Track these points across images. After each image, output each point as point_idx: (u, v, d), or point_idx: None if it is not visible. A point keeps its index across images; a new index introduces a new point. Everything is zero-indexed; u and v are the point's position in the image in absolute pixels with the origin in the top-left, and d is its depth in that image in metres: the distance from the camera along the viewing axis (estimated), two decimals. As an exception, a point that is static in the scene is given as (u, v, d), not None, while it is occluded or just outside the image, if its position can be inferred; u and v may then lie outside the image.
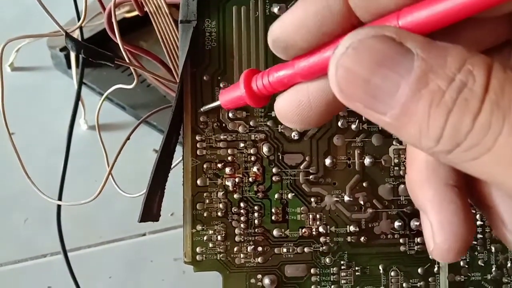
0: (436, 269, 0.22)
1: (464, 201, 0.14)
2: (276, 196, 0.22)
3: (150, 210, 0.21)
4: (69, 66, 0.47)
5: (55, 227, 0.32)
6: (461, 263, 0.23)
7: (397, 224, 0.22)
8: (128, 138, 0.26)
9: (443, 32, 0.11)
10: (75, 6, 0.34)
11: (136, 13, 0.51)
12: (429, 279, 0.22)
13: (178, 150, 0.22)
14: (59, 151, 0.33)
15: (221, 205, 0.22)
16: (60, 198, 0.29)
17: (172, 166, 0.27)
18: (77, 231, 0.38)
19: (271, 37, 0.14)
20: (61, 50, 0.48)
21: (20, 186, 0.38)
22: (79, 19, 0.33)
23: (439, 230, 0.13)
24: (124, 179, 0.31)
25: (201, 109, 0.21)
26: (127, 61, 0.23)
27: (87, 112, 0.45)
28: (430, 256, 0.14)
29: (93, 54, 0.21)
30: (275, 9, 0.22)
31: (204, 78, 0.22)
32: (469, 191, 0.14)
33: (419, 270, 0.22)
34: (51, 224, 0.32)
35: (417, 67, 0.11)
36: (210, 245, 0.21)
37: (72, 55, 0.44)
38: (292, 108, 0.14)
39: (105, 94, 0.30)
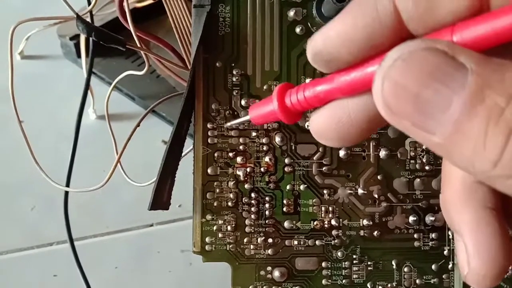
0: (450, 266, 0.22)
1: (502, 225, 0.13)
2: (288, 187, 0.21)
3: (160, 198, 0.20)
4: (79, 55, 0.47)
5: (61, 215, 0.32)
6: (477, 261, 0.22)
7: (411, 218, 0.22)
8: (138, 125, 0.25)
9: (498, 51, 0.11)
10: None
11: (146, 3, 0.51)
12: (443, 276, 0.22)
13: (187, 141, 0.22)
14: (67, 140, 0.33)
15: (231, 195, 0.21)
16: (68, 185, 0.29)
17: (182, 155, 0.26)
18: (84, 220, 0.38)
19: (313, 50, 0.13)
20: (71, 39, 0.47)
21: (28, 174, 0.38)
22: (89, 4, 0.33)
23: (474, 254, 0.13)
24: (132, 169, 0.31)
25: (227, 125, 0.21)
26: (138, 45, 0.23)
27: (96, 101, 0.45)
28: (463, 279, 0.14)
29: (104, 37, 0.20)
30: (291, -5, 0.21)
31: (217, 64, 0.21)
32: (507, 214, 0.13)
33: (433, 267, 0.22)
34: (58, 213, 0.32)
35: (471, 82, 0.10)
36: (220, 235, 0.21)
37: (82, 44, 0.44)
38: (331, 125, 0.13)
39: (115, 81, 0.29)
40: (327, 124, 0.14)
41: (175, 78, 0.30)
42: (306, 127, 0.21)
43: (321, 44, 0.12)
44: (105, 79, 0.47)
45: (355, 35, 0.12)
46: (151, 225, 0.39)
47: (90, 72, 0.34)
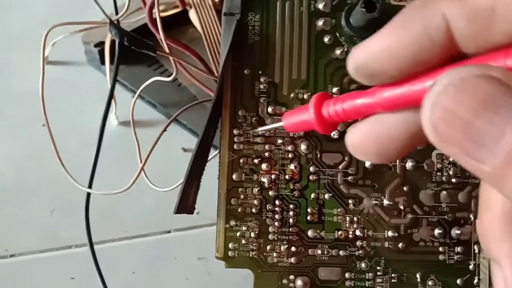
0: (476, 281, 0.21)
1: None
2: (312, 195, 0.21)
3: (186, 202, 0.21)
4: (103, 62, 0.48)
5: (80, 219, 0.32)
6: (503, 277, 0.22)
7: (437, 231, 0.21)
8: (164, 130, 0.26)
9: None
10: (114, 1, 0.34)
11: (170, 12, 0.52)
12: (469, 291, 0.21)
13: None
14: (89, 145, 0.33)
15: (255, 202, 0.21)
16: (90, 187, 0.29)
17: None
18: (102, 224, 0.38)
19: (355, 63, 0.12)
20: (95, 45, 0.48)
21: (48, 177, 0.39)
22: (117, 13, 0.33)
23: None
24: (151, 175, 0.31)
25: (258, 130, 0.21)
26: (167, 51, 0.23)
27: (118, 108, 0.45)
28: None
29: (135, 42, 0.21)
30: (320, 5, 0.21)
31: (245, 72, 0.21)
32: None
33: (458, 281, 0.21)
34: (77, 216, 0.32)
35: None
36: (243, 241, 0.21)
37: (107, 51, 0.45)
38: (370, 140, 0.13)
39: (140, 88, 0.30)
40: (366, 139, 0.13)
41: (199, 86, 0.30)
42: (332, 136, 0.21)
43: (364, 58, 0.12)
44: (128, 86, 0.48)
45: (401, 52, 0.12)
46: (169, 232, 0.39)
47: (115, 79, 0.35)
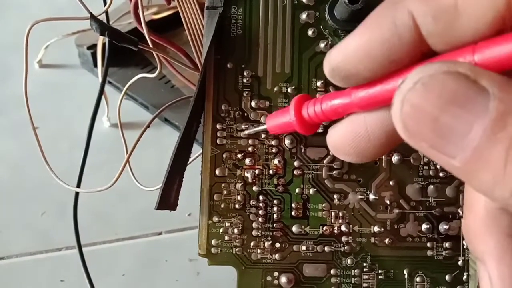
0: (465, 277, 0.21)
1: None
2: (297, 190, 0.21)
3: (168, 199, 0.20)
4: (95, 65, 0.48)
5: (71, 221, 0.32)
6: (493, 273, 0.21)
7: (424, 226, 0.21)
8: (148, 126, 0.25)
9: None
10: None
11: (163, 14, 0.51)
12: (457, 287, 0.21)
13: (197, 147, 0.21)
14: (81, 147, 0.33)
15: (239, 197, 0.21)
16: (78, 187, 0.29)
17: (190, 161, 0.26)
18: (93, 227, 0.38)
19: (330, 65, 0.13)
20: (88, 48, 0.48)
21: (40, 179, 0.39)
22: (107, 15, 0.33)
23: (499, 285, 0.12)
24: (144, 178, 0.31)
25: (245, 133, 0.21)
26: (150, 46, 0.23)
27: (110, 110, 0.45)
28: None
29: (117, 36, 0.21)
30: (304, -1, 0.21)
31: (228, 65, 0.21)
32: None
33: (447, 277, 0.21)
34: (68, 219, 0.32)
35: (493, 108, 0.10)
36: (226, 238, 0.21)
37: (99, 54, 0.45)
38: (348, 140, 0.13)
39: (127, 85, 0.29)
40: (345, 139, 0.13)
41: (190, 87, 0.30)
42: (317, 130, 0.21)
43: (338, 60, 0.12)
44: (121, 88, 0.48)
45: (373, 52, 0.12)
46: (160, 233, 0.39)
47: (104, 78, 0.35)
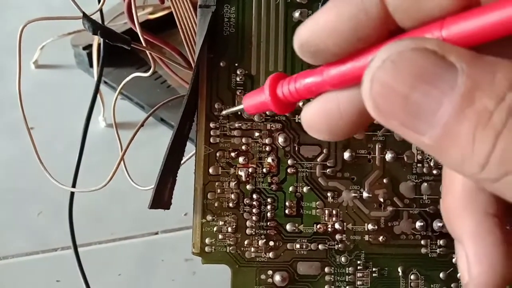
0: (459, 274, 0.21)
1: (504, 232, 0.12)
2: (290, 189, 0.21)
3: (161, 197, 0.20)
4: (91, 65, 0.48)
5: (67, 222, 0.31)
6: (487, 270, 0.21)
7: (418, 224, 0.21)
8: (142, 125, 0.25)
9: (490, 46, 0.10)
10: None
11: (159, 14, 0.51)
12: (452, 285, 0.21)
13: (191, 146, 0.21)
14: (77, 147, 0.33)
15: (233, 196, 0.21)
16: (74, 187, 0.29)
17: (185, 160, 0.26)
18: (89, 227, 0.38)
19: (299, 41, 0.13)
20: (84, 48, 0.48)
21: (36, 180, 0.38)
22: (102, 15, 0.33)
23: (475, 263, 0.12)
24: (140, 178, 0.31)
25: (223, 113, 0.21)
26: (144, 45, 0.23)
27: (106, 110, 0.45)
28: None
29: (110, 36, 0.20)
30: (296, -3, 0.21)
31: (221, 64, 0.21)
32: (510, 221, 0.13)
33: (441, 275, 0.21)
34: (64, 219, 0.32)
35: (461, 84, 0.10)
36: (220, 236, 0.21)
37: (95, 54, 0.45)
38: (321, 118, 0.13)
39: (121, 84, 0.29)
40: (317, 117, 0.13)
41: (185, 86, 0.30)
42: (310, 128, 0.21)
43: (307, 35, 0.12)
44: (116, 88, 0.48)
45: (341, 27, 0.12)
46: (156, 233, 0.38)
47: (100, 78, 0.35)
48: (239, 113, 0.21)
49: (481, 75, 0.10)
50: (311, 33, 0.12)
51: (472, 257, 0.12)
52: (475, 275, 0.12)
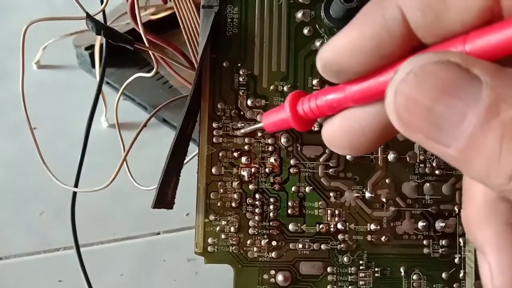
0: (462, 274, 0.21)
1: None
2: (293, 189, 0.21)
3: (164, 197, 0.20)
4: (93, 65, 0.48)
5: (69, 222, 0.32)
6: (490, 270, 0.21)
7: (421, 224, 0.21)
8: (144, 125, 0.25)
9: None
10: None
11: (161, 15, 0.51)
12: (454, 285, 0.21)
13: (194, 147, 0.22)
14: (79, 147, 0.33)
15: (235, 196, 0.21)
16: (76, 187, 0.29)
17: (187, 160, 0.26)
18: (91, 227, 0.38)
19: (322, 61, 0.13)
20: (86, 49, 0.48)
21: (38, 180, 0.38)
22: (104, 15, 0.33)
23: (498, 274, 0.12)
24: (142, 178, 0.31)
25: (241, 132, 0.21)
26: (147, 45, 0.23)
27: (108, 111, 0.45)
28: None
29: (113, 36, 0.21)
30: (299, -3, 0.21)
31: (224, 64, 0.21)
32: None
33: (443, 275, 0.21)
34: (66, 219, 0.32)
35: (486, 96, 0.10)
36: (223, 236, 0.21)
37: (97, 54, 0.45)
38: (343, 134, 0.13)
39: (124, 84, 0.29)
40: (339, 133, 0.14)
41: (188, 87, 0.30)
42: (312, 128, 0.21)
43: (329, 55, 0.13)
44: (118, 88, 0.48)
45: (363, 45, 0.12)
46: (158, 233, 0.39)
47: (102, 79, 0.35)
48: (241, 112, 0.21)
49: (505, 87, 0.10)
50: (333, 53, 0.12)
51: (495, 268, 0.12)
52: (497, 285, 0.12)
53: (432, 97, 0.10)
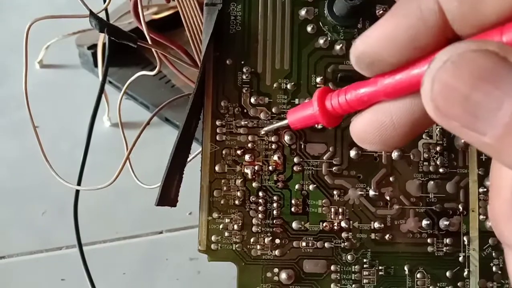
0: (466, 273, 0.21)
1: None
2: (296, 186, 0.21)
3: (168, 194, 0.20)
4: (96, 65, 0.48)
5: (72, 221, 0.32)
6: (494, 269, 0.21)
7: (425, 222, 0.21)
8: (147, 123, 0.25)
9: None
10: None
11: (163, 14, 0.51)
12: (458, 284, 0.21)
13: (197, 146, 0.21)
14: (82, 146, 0.33)
15: (239, 193, 0.21)
16: (79, 185, 0.29)
17: (191, 158, 0.26)
18: (94, 226, 0.38)
19: (355, 53, 0.13)
20: (88, 48, 0.48)
21: (41, 179, 0.39)
22: (107, 13, 0.33)
23: None
24: (145, 177, 0.31)
25: (264, 130, 0.21)
26: (150, 43, 0.23)
27: (111, 110, 0.45)
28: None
29: (116, 33, 0.21)
30: (303, -5, 0.21)
31: (227, 62, 0.21)
32: None
33: (448, 274, 0.21)
34: (68, 218, 0.32)
35: None
36: (226, 234, 0.21)
37: (99, 53, 0.45)
38: (373, 129, 0.13)
39: (127, 83, 0.29)
40: (370, 128, 0.13)
41: (190, 85, 0.30)
42: (316, 126, 0.21)
43: (363, 47, 0.13)
44: (121, 88, 0.48)
45: (398, 37, 0.12)
46: (161, 232, 0.39)
47: (105, 78, 0.35)
48: (245, 110, 0.21)
49: None
50: (368, 44, 0.12)
51: None
52: None
53: (469, 84, 0.10)
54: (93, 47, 0.48)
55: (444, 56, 0.10)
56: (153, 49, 0.23)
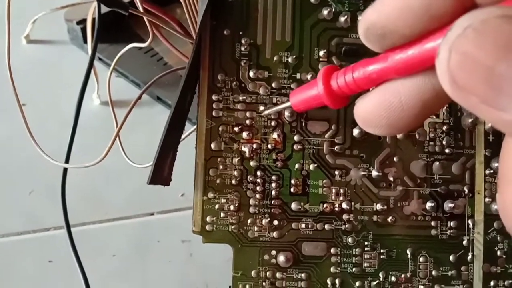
0: (470, 257, 0.20)
1: None
2: (296, 166, 0.20)
3: (161, 173, 0.19)
4: (85, 41, 0.46)
5: (60, 201, 0.30)
6: (498, 253, 0.20)
7: (429, 205, 0.20)
8: (139, 98, 0.24)
9: None
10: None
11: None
12: (462, 268, 0.20)
13: (190, 126, 0.20)
14: (70, 125, 0.32)
15: (235, 172, 0.20)
16: (67, 163, 0.28)
17: (185, 136, 0.25)
18: (83, 207, 0.37)
19: (365, 24, 0.12)
20: (77, 23, 0.47)
21: (27, 158, 0.37)
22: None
23: None
24: (136, 157, 0.30)
25: (266, 113, 0.19)
26: (141, 10, 0.21)
27: (100, 88, 0.44)
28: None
29: (108, 0, 0.19)
30: (306, -38, 0.20)
31: (225, 32, 0.20)
32: None
33: (451, 257, 0.20)
34: (57, 198, 0.31)
35: None
36: (222, 214, 0.20)
37: (89, 29, 0.43)
38: (380, 111, 0.12)
39: (117, 56, 0.28)
40: (376, 110, 0.12)
41: (184, 61, 0.28)
42: (318, 103, 0.20)
43: (375, 16, 0.11)
44: (111, 65, 0.46)
45: (413, 5, 0.11)
46: (152, 214, 0.37)
47: (94, 53, 0.33)
48: (243, 84, 0.20)
49: None
50: (380, 13, 0.11)
51: None
52: None
53: (493, 54, 0.09)
54: (82, 22, 0.46)
55: (465, 22, 0.09)
56: (145, 19, 0.22)
